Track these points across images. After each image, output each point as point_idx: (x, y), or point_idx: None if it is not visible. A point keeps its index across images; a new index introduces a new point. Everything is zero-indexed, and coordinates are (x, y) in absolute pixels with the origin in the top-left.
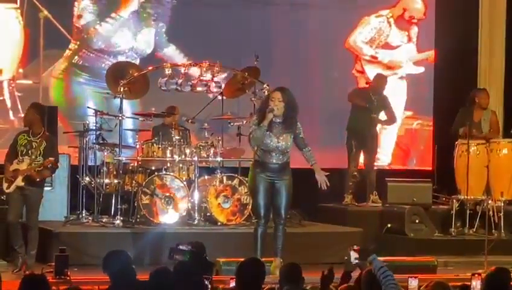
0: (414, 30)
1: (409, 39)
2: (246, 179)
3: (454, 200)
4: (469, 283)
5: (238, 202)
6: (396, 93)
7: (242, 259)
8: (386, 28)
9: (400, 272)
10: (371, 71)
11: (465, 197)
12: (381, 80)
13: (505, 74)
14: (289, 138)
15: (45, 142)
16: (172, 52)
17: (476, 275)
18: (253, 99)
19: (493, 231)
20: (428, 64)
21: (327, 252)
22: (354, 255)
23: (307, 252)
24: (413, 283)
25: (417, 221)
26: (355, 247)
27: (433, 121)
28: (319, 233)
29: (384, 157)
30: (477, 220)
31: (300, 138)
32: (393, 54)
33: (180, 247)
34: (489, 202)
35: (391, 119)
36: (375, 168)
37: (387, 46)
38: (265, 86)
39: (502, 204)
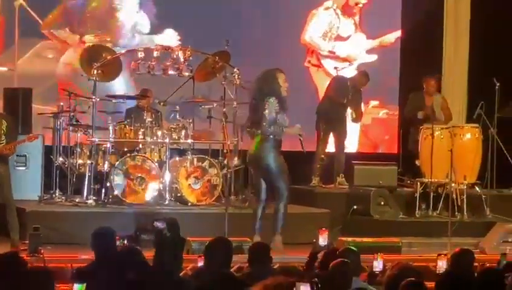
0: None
1: (357, 27)
2: (216, 160)
3: (419, 183)
4: (435, 264)
5: (208, 183)
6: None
7: (211, 239)
8: (335, 19)
9: (365, 253)
10: (329, 64)
11: (429, 180)
12: (364, 77)
13: (469, 60)
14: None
15: (5, 121)
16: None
17: (442, 256)
18: (223, 82)
19: (456, 213)
20: (393, 50)
21: (295, 233)
22: (321, 237)
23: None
24: (378, 263)
25: (382, 203)
26: (323, 229)
27: (399, 106)
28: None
29: (351, 146)
30: (441, 202)
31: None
32: (349, 46)
33: (156, 223)
34: (453, 185)
35: (358, 118)
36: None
37: (339, 38)
38: (235, 70)
39: (465, 187)
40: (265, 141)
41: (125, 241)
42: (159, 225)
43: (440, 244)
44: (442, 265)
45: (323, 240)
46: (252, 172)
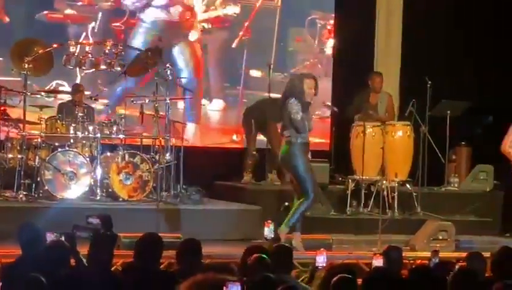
0: None
1: None
2: (148, 156)
3: (350, 180)
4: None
5: (140, 178)
6: None
7: (142, 234)
8: None
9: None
10: None
11: (361, 177)
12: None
13: (402, 58)
14: None
15: None
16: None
17: (378, 255)
18: (155, 78)
19: (387, 210)
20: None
21: (226, 229)
22: (267, 230)
23: (206, 229)
24: (321, 258)
25: None
26: (268, 221)
27: (331, 101)
28: (218, 210)
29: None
30: (372, 200)
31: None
32: None
33: (90, 219)
34: (384, 182)
35: None
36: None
37: None
38: (168, 66)
39: (396, 185)
40: (290, 144)
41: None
42: (93, 221)
43: (371, 241)
44: (378, 264)
45: (269, 232)
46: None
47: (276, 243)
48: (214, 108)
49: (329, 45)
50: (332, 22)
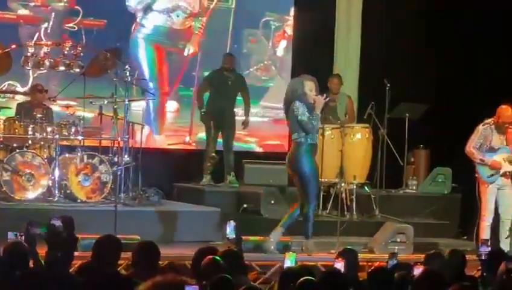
0: None
1: None
2: (106, 157)
3: None
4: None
5: (98, 180)
6: None
7: (100, 236)
8: None
9: (256, 251)
10: None
11: (320, 179)
12: (230, 57)
13: (361, 61)
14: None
15: None
16: None
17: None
18: (115, 79)
19: (345, 213)
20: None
21: (184, 231)
22: (229, 229)
23: (165, 231)
24: (288, 261)
25: (273, 202)
26: (232, 222)
27: None
28: (176, 212)
29: (242, 144)
30: (331, 202)
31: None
32: None
33: (52, 221)
34: (342, 184)
35: (247, 103)
36: (233, 149)
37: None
38: (127, 66)
39: (354, 187)
40: (297, 146)
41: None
42: (55, 223)
43: (329, 243)
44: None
45: (230, 232)
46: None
47: (238, 244)
48: (167, 109)
49: (282, 46)
50: (287, 23)
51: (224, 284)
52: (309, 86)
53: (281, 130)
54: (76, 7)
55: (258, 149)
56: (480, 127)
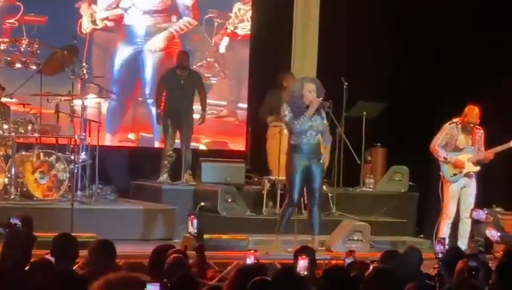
0: None
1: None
2: (63, 155)
3: (266, 181)
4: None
5: (55, 178)
6: None
7: (56, 234)
8: None
9: (213, 250)
10: None
11: (277, 178)
12: (184, 54)
13: (318, 59)
14: (318, 119)
15: None
16: None
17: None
18: (72, 77)
19: (303, 211)
20: (243, 47)
21: (141, 229)
22: (192, 224)
23: (121, 229)
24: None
25: (230, 200)
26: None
27: (248, 104)
28: (133, 210)
29: (199, 142)
30: None
31: (325, 124)
32: None
33: (12, 219)
34: None
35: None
36: (191, 147)
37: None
38: (84, 64)
39: None
40: (288, 146)
41: None
42: (14, 221)
43: (286, 241)
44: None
45: (193, 228)
46: None
47: (200, 239)
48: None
49: (225, 44)
50: (229, 20)
51: (187, 283)
52: (308, 88)
53: (223, 127)
54: (17, 3)
55: (202, 147)
56: (447, 125)
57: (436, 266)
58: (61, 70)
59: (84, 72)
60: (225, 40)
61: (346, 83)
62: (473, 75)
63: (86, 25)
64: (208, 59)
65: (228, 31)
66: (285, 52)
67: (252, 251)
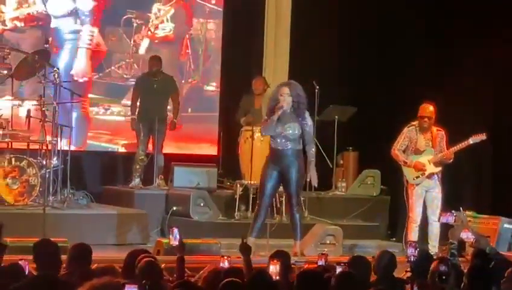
0: None
1: None
2: (35, 160)
3: (238, 185)
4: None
5: (27, 183)
6: None
7: (30, 239)
8: None
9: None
10: None
11: (249, 182)
12: (155, 60)
13: (290, 63)
14: (296, 127)
15: None
16: None
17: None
18: (43, 81)
19: (275, 215)
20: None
21: (113, 234)
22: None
23: (93, 234)
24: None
25: (202, 204)
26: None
27: (219, 109)
28: (105, 215)
29: (171, 147)
30: None
31: (307, 132)
32: None
33: None
34: None
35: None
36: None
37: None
38: (55, 69)
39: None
40: None
41: None
42: None
43: (259, 245)
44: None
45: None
46: None
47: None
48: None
49: (145, 45)
50: (149, 21)
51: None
52: (281, 91)
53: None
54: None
55: (121, 149)
56: (405, 129)
57: (408, 269)
58: (32, 75)
59: (56, 76)
60: (145, 41)
61: (317, 87)
62: (438, 76)
63: None
64: (127, 60)
65: (149, 33)
66: (257, 55)
67: (225, 256)
